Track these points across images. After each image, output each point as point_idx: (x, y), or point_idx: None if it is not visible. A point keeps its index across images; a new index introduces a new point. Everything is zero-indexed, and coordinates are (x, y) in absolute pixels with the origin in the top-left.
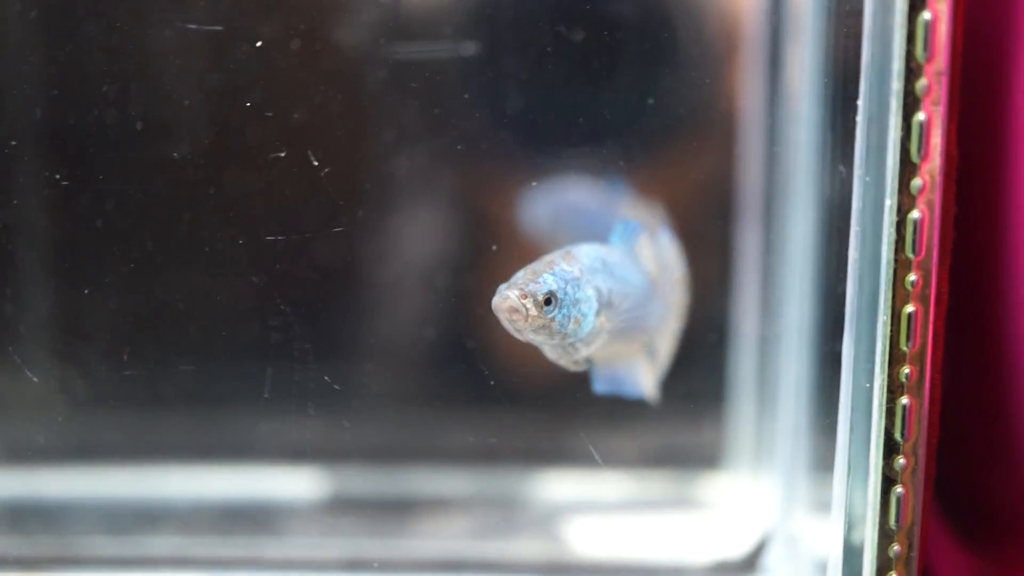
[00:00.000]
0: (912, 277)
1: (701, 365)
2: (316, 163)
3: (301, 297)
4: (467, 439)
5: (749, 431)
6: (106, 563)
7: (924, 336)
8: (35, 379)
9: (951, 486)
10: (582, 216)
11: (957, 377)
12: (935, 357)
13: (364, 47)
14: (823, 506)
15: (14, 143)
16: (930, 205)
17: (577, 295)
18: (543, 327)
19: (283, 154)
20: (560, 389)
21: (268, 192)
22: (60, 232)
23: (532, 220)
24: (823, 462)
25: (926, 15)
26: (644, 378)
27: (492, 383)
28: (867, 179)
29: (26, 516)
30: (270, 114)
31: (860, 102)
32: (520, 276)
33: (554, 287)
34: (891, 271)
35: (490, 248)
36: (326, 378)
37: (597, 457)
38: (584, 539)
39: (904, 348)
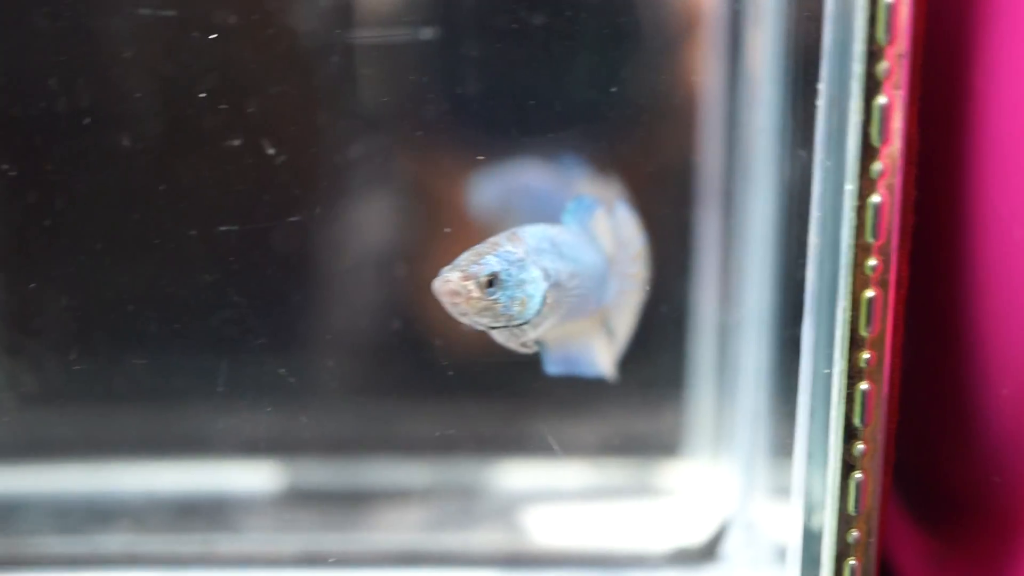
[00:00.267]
0: (872, 262)
1: (660, 351)
2: (271, 151)
3: (255, 289)
4: (424, 430)
5: (708, 418)
6: (57, 562)
7: (884, 321)
8: None
9: (909, 470)
10: (536, 197)
11: (916, 362)
12: (895, 342)
13: (318, 33)
14: (783, 492)
15: None
16: (891, 189)
17: (522, 276)
18: (486, 309)
19: (237, 143)
20: (518, 378)
21: (221, 182)
22: (6, 225)
23: (487, 203)
24: (783, 448)
25: None
26: (601, 356)
27: (449, 373)
28: (828, 163)
29: None
30: (223, 103)
31: (821, 85)
32: (463, 258)
33: (497, 268)
34: (851, 256)
35: (446, 235)
36: (281, 371)
37: (555, 446)
38: (543, 529)
39: (864, 333)
